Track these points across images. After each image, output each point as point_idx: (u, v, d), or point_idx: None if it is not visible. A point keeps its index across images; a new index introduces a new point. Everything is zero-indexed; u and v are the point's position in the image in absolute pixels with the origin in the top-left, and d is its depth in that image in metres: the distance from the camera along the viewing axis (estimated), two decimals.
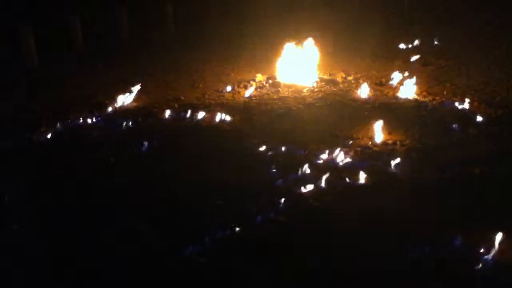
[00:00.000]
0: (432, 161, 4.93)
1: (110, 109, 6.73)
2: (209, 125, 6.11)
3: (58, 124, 6.18)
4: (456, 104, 6.43)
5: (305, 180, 4.61)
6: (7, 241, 3.90)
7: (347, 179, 4.63)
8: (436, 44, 9.84)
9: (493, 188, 4.41)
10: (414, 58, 8.76)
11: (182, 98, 7.14)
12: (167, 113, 6.46)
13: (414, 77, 7.33)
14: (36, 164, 5.16)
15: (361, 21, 11.71)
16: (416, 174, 4.73)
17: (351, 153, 5.13)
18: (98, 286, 3.40)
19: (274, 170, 4.83)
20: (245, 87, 7.49)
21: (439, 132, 5.64)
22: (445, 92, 6.94)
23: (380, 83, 7.45)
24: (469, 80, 7.49)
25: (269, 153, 5.20)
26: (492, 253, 3.51)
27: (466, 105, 6.38)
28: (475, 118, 5.97)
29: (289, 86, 7.41)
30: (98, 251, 3.69)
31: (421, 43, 9.91)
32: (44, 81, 8.10)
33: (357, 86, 7.32)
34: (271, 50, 8.66)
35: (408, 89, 6.99)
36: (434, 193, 4.36)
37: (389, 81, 7.46)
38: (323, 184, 4.54)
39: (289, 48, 7.82)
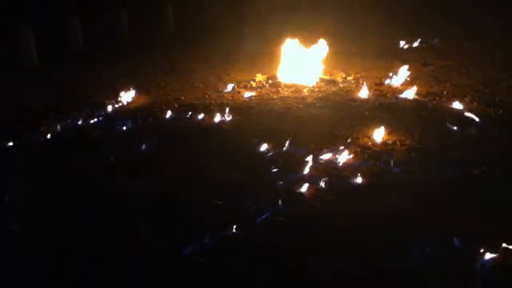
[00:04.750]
0: (432, 161, 4.93)
1: (110, 109, 6.73)
2: (209, 125, 6.11)
3: (58, 124, 6.19)
4: (456, 104, 6.43)
5: (305, 180, 4.62)
6: (7, 241, 3.91)
7: (347, 179, 4.63)
8: (436, 44, 9.85)
9: (493, 188, 4.41)
10: (414, 58, 8.77)
11: (182, 98, 7.15)
12: (167, 113, 6.46)
13: (414, 77, 7.34)
14: (36, 164, 5.16)
15: (361, 21, 11.71)
16: (416, 174, 4.73)
17: (351, 153, 5.13)
18: (98, 286, 3.40)
19: (274, 170, 4.83)
20: (245, 87, 7.49)
21: (439, 132, 5.63)
22: (445, 92, 6.94)
23: (380, 83, 7.46)
24: (469, 80, 7.49)
25: (269, 153, 5.20)
26: (492, 253, 3.51)
27: (466, 105, 6.38)
28: (475, 118, 5.97)
29: (289, 86, 7.42)
30: (98, 251, 3.69)
31: (421, 43, 9.91)
32: (44, 81, 8.11)
33: (357, 86, 7.33)
34: (271, 50, 8.68)
35: (408, 89, 6.99)
36: (434, 193, 4.35)
37: (389, 81, 7.46)
38: (323, 184, 4.54)
39: (289, 48, 7.82)
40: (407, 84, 7.16)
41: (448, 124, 5.77)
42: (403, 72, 7.53)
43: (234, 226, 3.88)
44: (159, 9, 12.01)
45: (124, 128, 6.09)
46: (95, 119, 6.39)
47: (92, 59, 9.35)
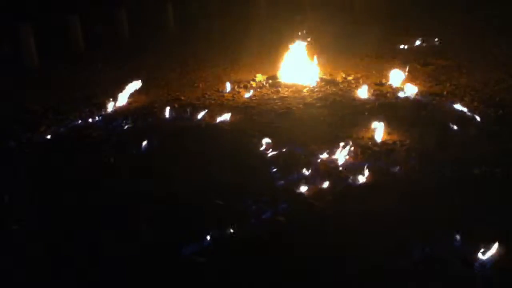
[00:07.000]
0: (432, 161, 4.93)
1: (110, 109, 6.73)
2: (209, 125, 6.11)
3: (58, 124, 6.19)
4: (456, 104, 6.43)
5: (305, 180, 4.62)
6: (7, 241, 3.91)
7: (347, 179, 4.63)
8: (436, 44, 9.84)
9: (493, 188, 4.41)
10: (414, 58, 8.76)
11: (182, 98, 7.15)
12: (167, 113, 6.46)
13: (414, 77, 7.34)
14: (36, 164, 5.16)
15: (361, 21, 11.71)
16: (416, 174, 4.73)
17: (351, 153, 5.13)
18: (98, 286, 3.40)
19: (274, 170, 4.83)
20: (245, 87, 7.49)
21: (439, 132, 5.63)
22: (445, 92, 6.94)
23: (380, 83, 7.45)
24: (469, 80, 7.48)
25: (269, 153, 5.20)
26: (492, 253, 3.51)
27: (466, 105, 6.38)
28: (475, 118, 5.97)
29: (289, 86, 7.41)
30: (98, 251, 3.69)
31: (421, 43, 9.91)
32: (44, 81, 8.11)
33: (357, 86, 7.32)
34: (271, 50, 8.68)
35: (408, 89, 6.99)
36: (434, 193, 4.35)
37: (389, 81, 7.45)
38: (323, 184, 4.54)
39: (289, 48, 7.82)
40: (407, 84, 7.15)
41: (448, 124, 5.77)
42: (403, 72, 7.52)
43: (234, 226, 3.88)
44: (159, 9, 12.01)
45: (124, 128, 6.09)
46: (95, 119, 6.38)
47: (92, 59, 9.34)
